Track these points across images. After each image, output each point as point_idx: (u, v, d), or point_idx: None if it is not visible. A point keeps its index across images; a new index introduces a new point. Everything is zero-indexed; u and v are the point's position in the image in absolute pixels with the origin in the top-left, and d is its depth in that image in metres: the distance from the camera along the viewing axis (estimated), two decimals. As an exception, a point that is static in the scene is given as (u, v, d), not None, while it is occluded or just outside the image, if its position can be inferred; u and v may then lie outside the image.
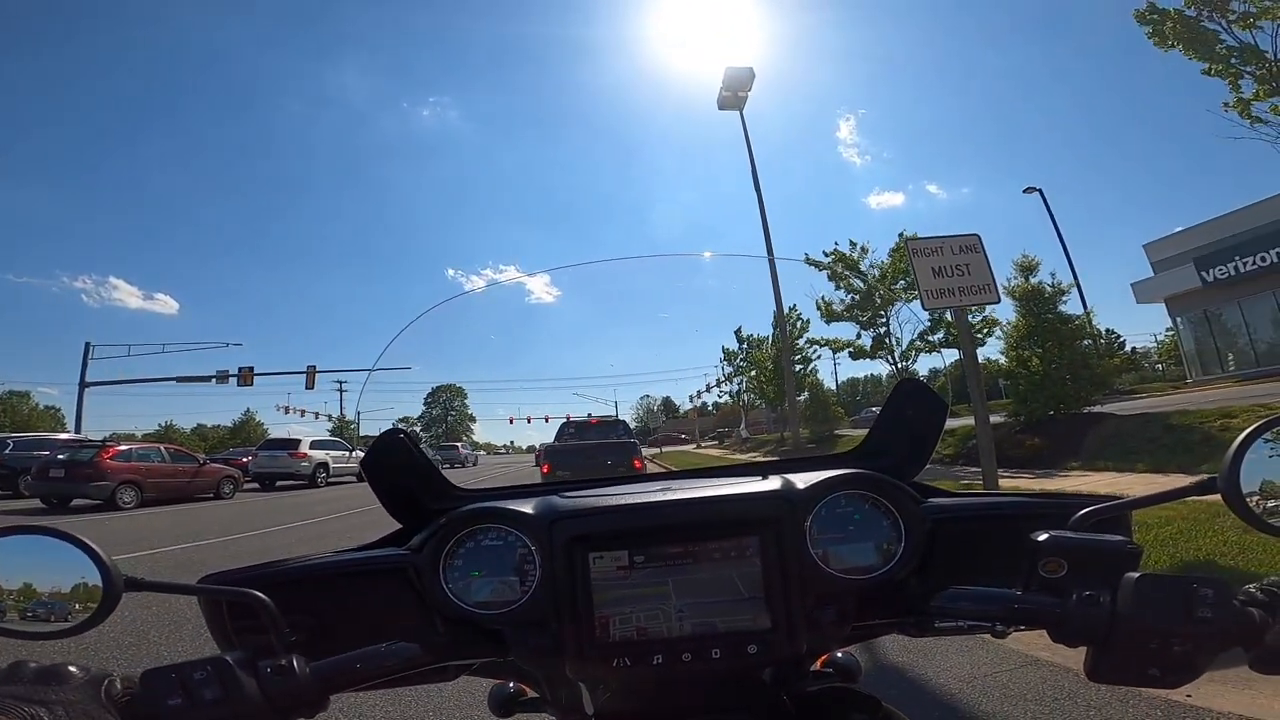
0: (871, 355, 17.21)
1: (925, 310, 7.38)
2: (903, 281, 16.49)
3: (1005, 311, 13.96)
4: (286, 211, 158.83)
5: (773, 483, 0.78)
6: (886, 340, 16.90)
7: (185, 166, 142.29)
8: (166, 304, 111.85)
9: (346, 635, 0.67)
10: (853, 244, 17.81)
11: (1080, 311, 14.13)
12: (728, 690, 0.76)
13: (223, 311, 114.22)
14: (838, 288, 17.07)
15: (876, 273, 17.01)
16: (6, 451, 17.48)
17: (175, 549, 8.21)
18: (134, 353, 34.83)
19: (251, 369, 33.54)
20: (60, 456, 14.94)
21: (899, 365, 16.83)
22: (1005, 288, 13.26)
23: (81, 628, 0.58)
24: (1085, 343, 13.03)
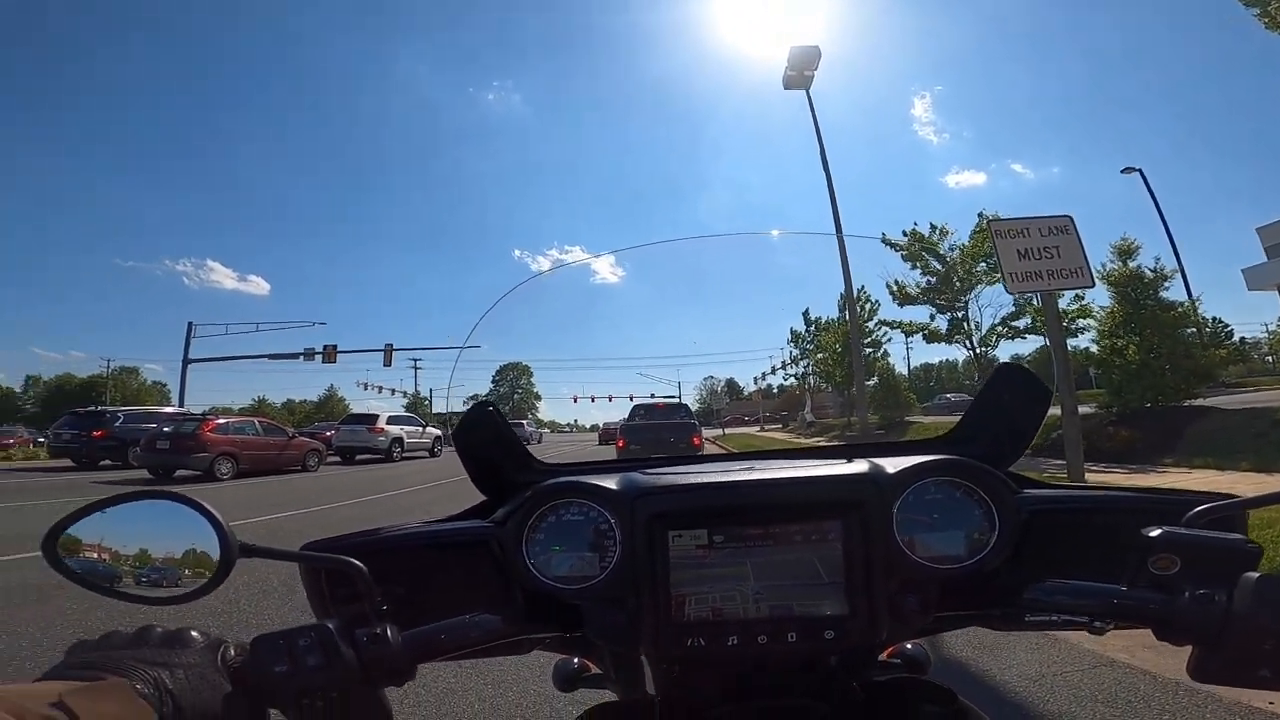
0: (948, 340, 16.47)
1: (1009, 294, 6.99)
2: (984, 264, 15.75)
3: (1099, 298, 13.10)
4: (362, 197, 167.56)
5: (860, 465, 0.76)
6: (964, 324, 16.10)
7: (271, 155, 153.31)
8: (259, 285, 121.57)
9: (429, 605, 0.68)
10: (933, 226, 17.04)
11: (1184, 299, 13.03)
12: (795, 677, 0.75)
13: (308, 292, 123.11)
14: (913, 268, 16.38)
15: (956, 254, 16.35)
16: (117, 424, 18.87)
17: (268, 518, 8.83)
18: (230, 331, 37.35)
19: (335, 347, 35.43)
20: (166, 429, 16.08)
21: (977, 351, 16.10)
22: (1100, 272, 12.39)
23: (199, 593, 0.60)
24: (1189, 331, 12.03)
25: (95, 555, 0.60)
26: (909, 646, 1.01)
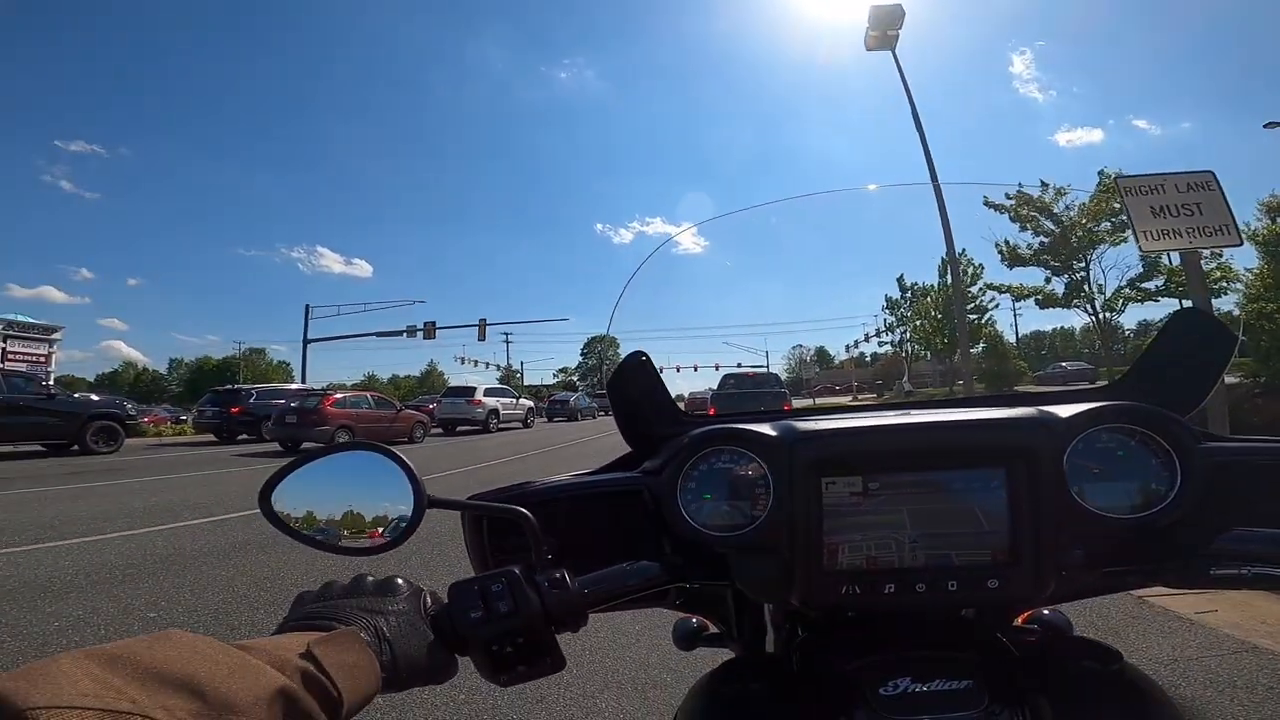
0: (1066, 304, 15.21)
1: (1142, 253, 6.38)
2: (1108, 223, 14.47)
3: (1245, 259, 11.73)
4: (451, 179, 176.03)
5: (1029, 410, 0.72)
6: (1085, 288, 14.85)
7: (363, 144, 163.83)
8: (362, 267, 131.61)
9: (585, 555, 0.68)
10: (1044, 184, 15.79)
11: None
12: (934, 631, 0.72)
13: (405, 272, 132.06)
14: (1023, 229, 15.24)
15: (1075, 212, 15.14)
16: (251, 402, 20.41)
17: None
18: (343, 312, 40.25)
19: (434, 324, 37.53)
20: (293, 405, 17.31)
21: (1100, 315, 14.84)
22: (1246, 231, 10.99)
23: (397, 541, 0.63)
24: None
25: (303, 510, 0.63)
26: (1047, 613, 0.95)
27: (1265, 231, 11.02)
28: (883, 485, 0.68)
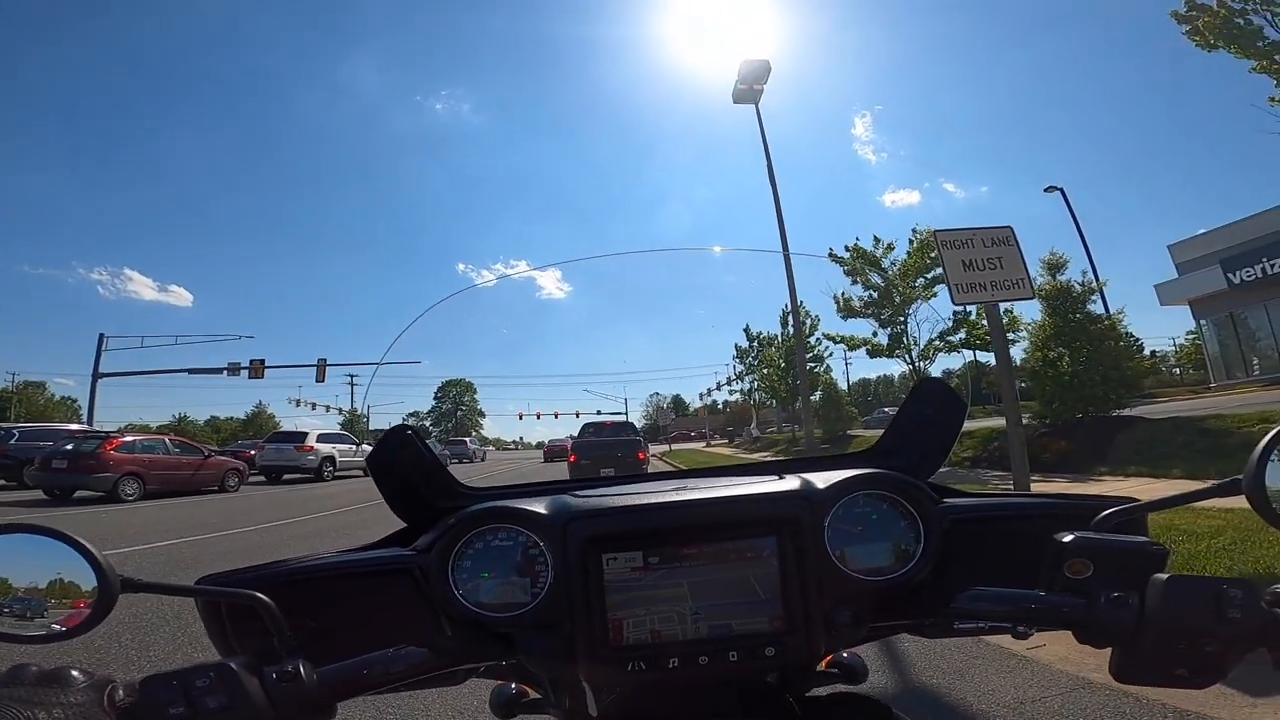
0: (889, 353, 17.19)
1: (955, 305, 7.23)
2: (922, 280, 16.56)
3: (1027, 311, 13.72)
4: (299, 204, 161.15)
5: (791, 482, 0.77)
6: (904, 339, 16.88)
7: (198, 158, 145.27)
8: (181, 295, 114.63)
9: (351, 638, 0.66)
10: (876, 240, 17.53)
11: (1103, 313, 13.77)
12: (733, 694, 0.75)
13: (236, 304, 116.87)
14: (854, 283, 17.02)
15: (896, 269, 16.88)
16: (12, 442, 17.55)
17: (169, 543, 8.09)
18: (147, 344, 35.11)
19: (263, 361, 33.65)
20: (65, 448, 14.97)
21: (916, 365, 16.68)
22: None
23: (76, 632, 0.57)
24: (1113, 344, 12.79)
25: None
26: (845, 655, 1.03)
27: (1048, 286, 12.66)
28: (662, 559, 0.70)
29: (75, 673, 0.49)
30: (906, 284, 16.53)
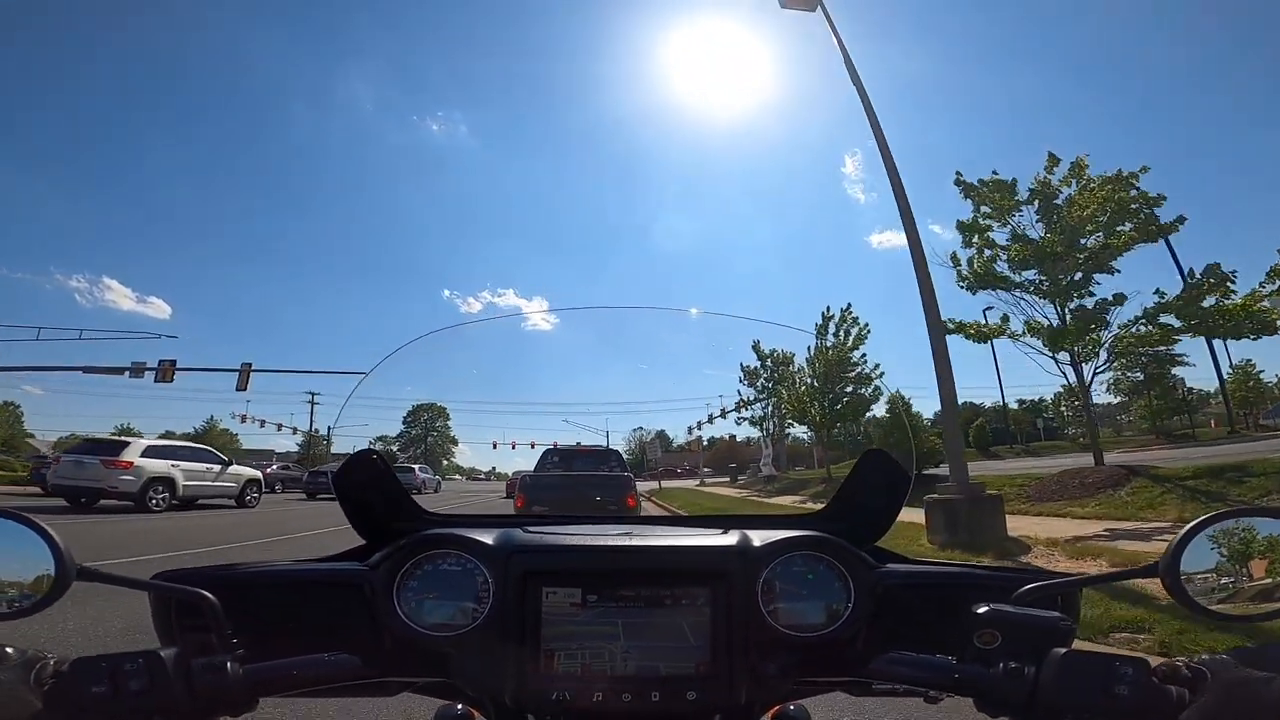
0: (1070, 342, 12.27)
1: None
2: (1128, 224, 12.07)
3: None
4: (288, 220, 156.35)
5: (730, 538, 0.84)
6: (1083, 315, 12.40)
7: (188, 169, 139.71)
8: (159, 307, 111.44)
9: (294, 642, 0.72)
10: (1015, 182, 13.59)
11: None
12: None
13: (215, 319, 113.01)
14: (987, 231, 13.22)
15: (1076, 206, 12.61)
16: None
17: None
18: (44, 337, 32.80)
19: (173, 362, 31.29)
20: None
21: (1082, 366, 12.94)
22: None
23: (25, 611, 0.61)
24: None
25: None
26: (791, 708, 1.06)
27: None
28: (601, 598, 0.76)
29: (9, 649, 0.56)
30: (1098, 221, 12.03)
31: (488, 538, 0.81)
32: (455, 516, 1.01)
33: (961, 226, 13.33)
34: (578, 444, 4.38)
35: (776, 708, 1.02)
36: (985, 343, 13.32)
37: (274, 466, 35.17)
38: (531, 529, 0.88)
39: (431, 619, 0.77)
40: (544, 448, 4.28)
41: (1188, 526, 0.64)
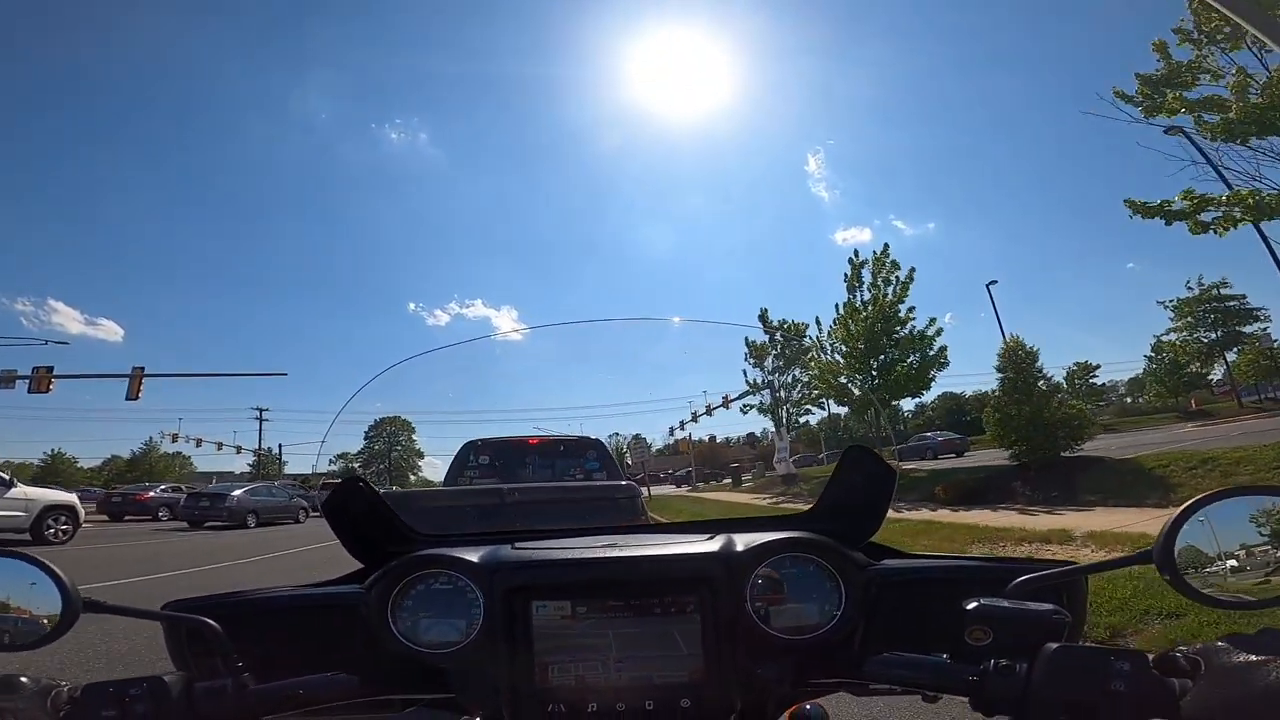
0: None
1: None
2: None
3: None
4: (243, 236, 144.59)
5: (714, 544, 0.87)
6: None
7: (137, 186, 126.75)
8: (110, 329, 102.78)
9: (296, 664, 0.78)
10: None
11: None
12: None
13: (171, 340, 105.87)
14: (1195, 78, 10.41)
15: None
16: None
17: None
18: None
19: (50, 369, 28.30)
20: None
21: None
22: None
23: (36, 644, 0.68)
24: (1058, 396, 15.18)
25: None
26: (809, 707, 1.05)
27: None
28: (590, 610, 0.81)
29: (24, 679, 0.62)
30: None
31: (474, 556, 0.87)
32: (447, 536, 1.05)
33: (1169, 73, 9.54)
34: (534, 431, 3.23)
35: (794, 707, 1.03)
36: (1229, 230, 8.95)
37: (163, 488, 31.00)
38: (520, 545, 0.93)
39: (427, 637, 0.84)
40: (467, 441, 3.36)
41: (1180, 509, 0.63)
